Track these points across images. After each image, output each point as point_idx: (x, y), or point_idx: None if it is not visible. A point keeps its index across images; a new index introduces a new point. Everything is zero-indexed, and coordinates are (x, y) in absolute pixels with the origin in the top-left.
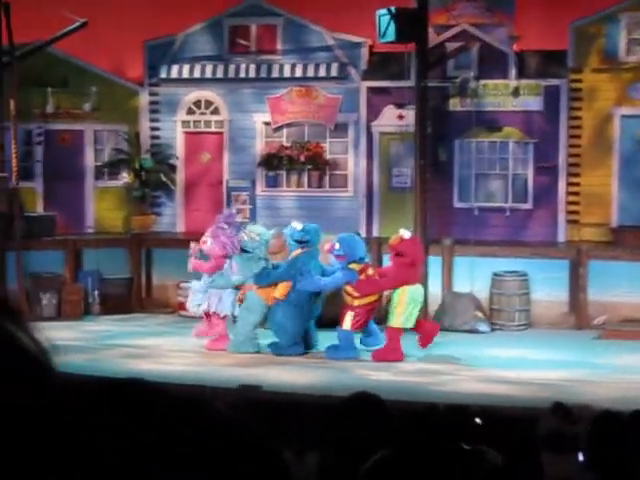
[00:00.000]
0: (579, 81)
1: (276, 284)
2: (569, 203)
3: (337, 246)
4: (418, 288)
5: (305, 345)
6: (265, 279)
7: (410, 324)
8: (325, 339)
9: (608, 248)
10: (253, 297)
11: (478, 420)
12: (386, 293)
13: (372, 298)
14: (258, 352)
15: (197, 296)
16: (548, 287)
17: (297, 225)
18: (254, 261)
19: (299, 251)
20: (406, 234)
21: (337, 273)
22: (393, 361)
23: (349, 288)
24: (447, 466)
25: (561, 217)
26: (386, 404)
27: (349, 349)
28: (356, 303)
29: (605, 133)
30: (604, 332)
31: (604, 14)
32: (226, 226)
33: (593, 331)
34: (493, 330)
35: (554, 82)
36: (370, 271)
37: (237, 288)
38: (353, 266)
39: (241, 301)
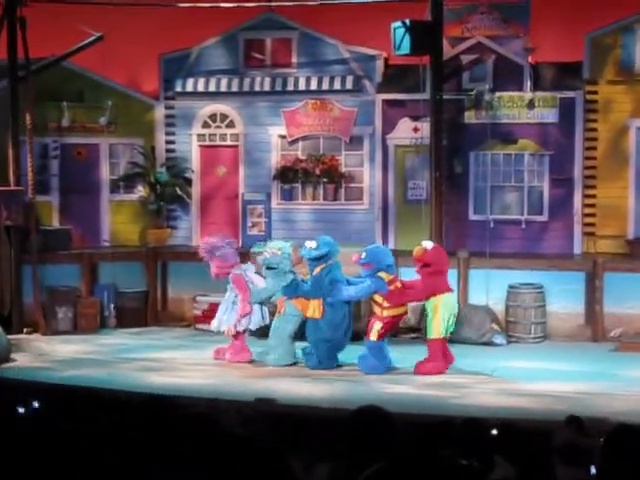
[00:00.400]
0: (594, 93)
1: (308, 299)
2: (585, 215)
3: (363, 255)
4: (451, 296)
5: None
6: (293, 291)
7: (449, 332)
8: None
9: (624, 260)
10: (290, 308)
11: (494, 431)
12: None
13: (401, 310)
14: (295, 364)
15: (224, 316)
16: (564, 299)
17: (310, 244)
18: (281, 275)
19: (320, 267)
20: (429, 244)
21: (365, 282)
22: (436, 374)
23: (378, 298)
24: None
25: (577, 229)
26: (393, 417)
27: (381, 361)
28: (385, 313)
29: (621, 145)
30: (620, 345)
31: (619, 25)
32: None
33: (609, 344)
34: (509, 343)
35: (569, 94)
36: (399, 283)
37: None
38: (382, 275)
39: (272, 314)
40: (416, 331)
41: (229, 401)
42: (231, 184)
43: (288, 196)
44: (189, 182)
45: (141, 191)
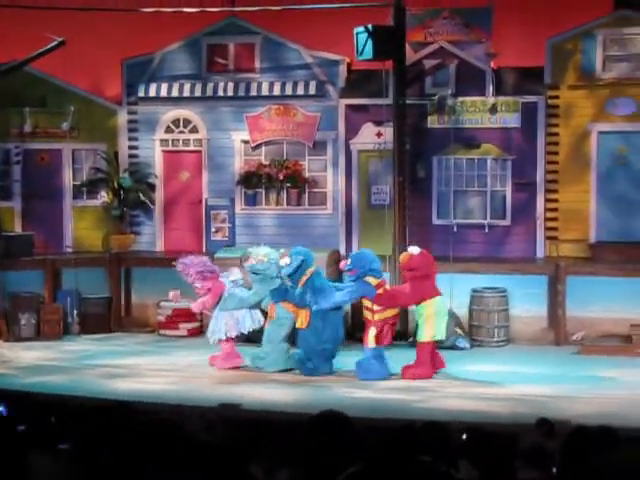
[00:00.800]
0: (556, 97)
1: (296, 306)
2: (547, 219)
3: (348, 261)
4: (441, 300)
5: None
6: (282, 295)
7: (440, 336)
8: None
9: (586, 264)
10: (281, 311)
11: (464, 436)
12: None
13: (392, 312)
14: (290, 370)
15: (214, 325)
16: (527, 303)
17: (283, 261)
18: (268, 281)
19: (304, 278)
20: (415, 250)
21: (351, 287)
22: (423, 378)
23: (368, 303)
24: None
25: (540, 233)
26: (352, 422)
27: (380, 368)
28: (377, 317)
29: (582, 149)
30: (583, 348)
31: (580, 30)
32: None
33: (572, 347)
34: (473, 346)
35: (531, 99)
36: (387, 286)
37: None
38: (369, 279)
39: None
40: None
41: (193, 407)
42: (194, 189)
43: (252, 201)
44: (152, 187)
45: (104, 197)
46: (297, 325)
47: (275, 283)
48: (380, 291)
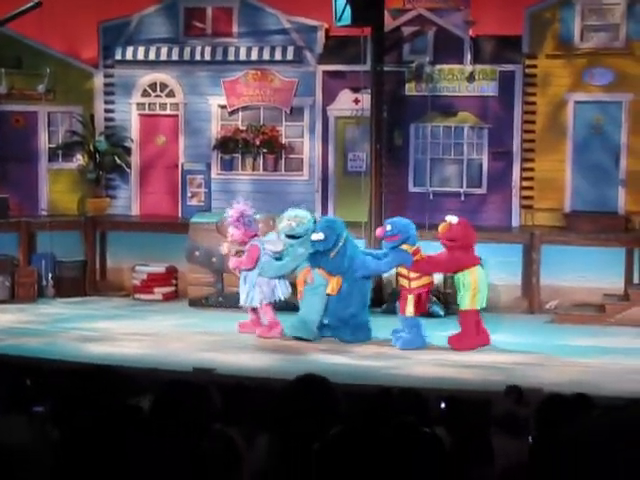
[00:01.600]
0: (534, 67)
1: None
2: (523, 188)
3: (388, 227)
4: (481, 269)
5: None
6: (318, 261)
7: (482, 304)
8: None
9: (561, 233)
10: (318, 278)
11: (442, 405)
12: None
13: (428, 279)
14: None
15: (249, 290)
16: (502, 271)
17: (316, 236)
18: (304, 245)
19: (336, 250)
20: (454, 219)
21: (390, 255)
22: (468, 349)
23: (404, 270)
24: (401, 443)
25: (515, 202)
26: (332, 386)
27: (419, 337)
28: (414, 285)
29: (559, 119)
30: (556, 316)
31: (559, 0)
32: (242, 218)
33: (545, 315)
34: (447, 314)
35: (509, 67)
36: (423, 253)
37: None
38: (405, 247)
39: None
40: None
41: (168, 371)
42: (171, 154)
43: (228, 166)
44: (128, 151)
45: (80, 160)
46: (327, 291)
47: (310, 248)
48: (417, 258)
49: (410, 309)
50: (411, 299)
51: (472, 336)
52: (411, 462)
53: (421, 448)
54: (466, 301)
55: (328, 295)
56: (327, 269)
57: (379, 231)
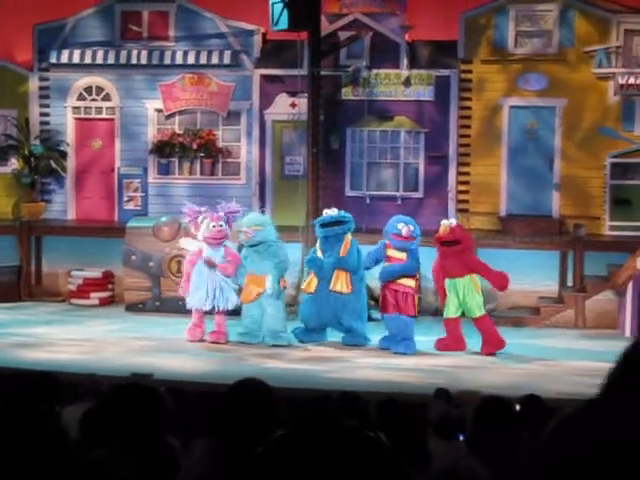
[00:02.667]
0: (469, 72)
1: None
2: (459, 192)
3: (412, 228)
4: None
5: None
6: (317, 265)
7: (484, 310)
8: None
9: (497, 236)
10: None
11: (374, 405)
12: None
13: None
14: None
15: (200, 293)
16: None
17: (330, 211)
18: (269, 248)
19: (348, 240)
20: (453, 222)
21: (411, 256)
22: (500, 348)
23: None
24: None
25: (451, 206)
26: (272, 390)
27: (412, 339)
28: (415, 285)
29: (494, 123)
30: (493, 319)
31: (493, 5)
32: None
33: None
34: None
35: (445, 72)
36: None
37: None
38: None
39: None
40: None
41: (105, 376)
42: (107, 158)
43: (165, 170)
44: (64, 155)
45: (15, 164)
46: (337, 289)
47: (280, 252)
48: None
49: (412, 309)
50: (416, 299)
51: (499, 337)
52: (356, 466)
53: (366, 452)
54: (478, 309)
55: (340, 294)
56: (339, 265)
57: (406, 231)
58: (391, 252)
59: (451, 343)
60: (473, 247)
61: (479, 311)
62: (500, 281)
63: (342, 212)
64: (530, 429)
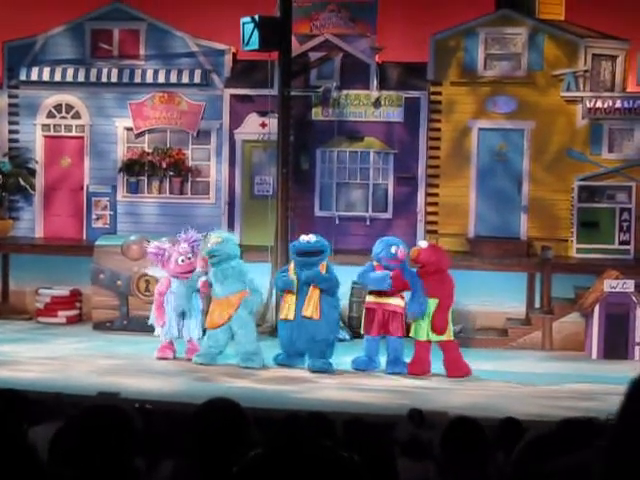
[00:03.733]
0: (438, 94)
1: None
2: (428, 213)
3: (403, 249)
4: None
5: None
6: (288, 284)
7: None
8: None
9: (465, 258)
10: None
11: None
12: None
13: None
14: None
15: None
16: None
17: (307, 237)
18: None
19: (324, 264)
20: (423, 244)
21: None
22: (465, 375)
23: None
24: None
25: (420, 227)
26: (242, 409)
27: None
28: (403, 304)
29: (463, 145)
30: (461, 340)
31: (463, 28)
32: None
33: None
34: (353, 338)
35: (414, 94)
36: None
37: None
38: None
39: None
40: None
41: (72, 395)
42: (76, 176)
43: (134, 189)
44: (33, 173)
45: None
46: (307, 314)
47: (242, 270)
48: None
49: (400, 331)
50: (402, 320)
51: (464, 364)
52: None
53: (340, 472)
54: (449, 331)
55: (310, 319)
56: (317, 283)
57: (400, 253)
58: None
59: (418, 366)
60: (445, 270)
61: (447, 336)
62: (436, 326)
63: (319, 239)
64: (506, 451)
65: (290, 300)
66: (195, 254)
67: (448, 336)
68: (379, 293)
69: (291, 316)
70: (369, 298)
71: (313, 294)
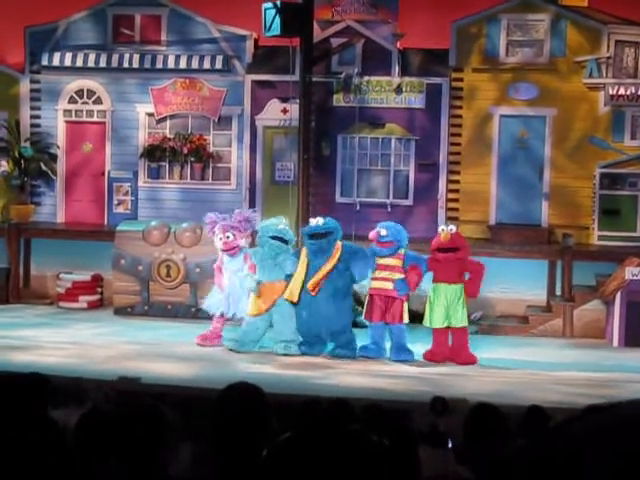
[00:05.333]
0: (460, 80)
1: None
2: (449, 200)
3: (383, 232)
4: None
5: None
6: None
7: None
8: None
9: (486, 245)
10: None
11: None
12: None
13: None
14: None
15: (218, 298)
16: (427, 282)
17: (316, 220)
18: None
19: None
20: (453, 228)
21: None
22: (473, 363)
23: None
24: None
25: (441, 213)
26: (264, 393)
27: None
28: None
29: (484, 132)
30: (481, 327)
31: (485, 14)
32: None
33: (470, 326)
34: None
35: (436, 80)
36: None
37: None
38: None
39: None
40: None
41: (92, 380)
42: (97, 161)
43: (155, 175)
44: (54, 158)
45: (4, 166)
46: (311, 290)
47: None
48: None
49: (406, 316)
50: (406, 305)
51: (468, 352)
52: (362, 469)
53: (371, 456)
54: (463, 317)
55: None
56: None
57: (373, 234)
58: (379, 259)
59: (438, 353)
60: (469, 253)
61: (462, 323)
62: (472, 291)
63: (328, 220)
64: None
65: (296, 281)
66: (242, 233)
67: (464, 322)
68: (378, 279)
69: (294, 298)
70: (371, 283)
71: (322, 272)
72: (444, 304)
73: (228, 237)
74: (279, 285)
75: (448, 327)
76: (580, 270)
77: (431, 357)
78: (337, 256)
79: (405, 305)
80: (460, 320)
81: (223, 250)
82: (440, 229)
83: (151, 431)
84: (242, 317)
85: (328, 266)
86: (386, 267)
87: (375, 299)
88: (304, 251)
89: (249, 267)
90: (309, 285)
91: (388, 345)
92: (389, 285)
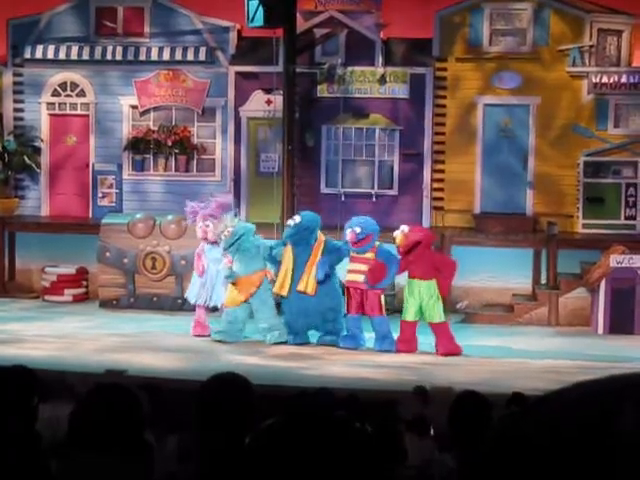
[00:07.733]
0: (444, 70)
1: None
2: (434, 189)
3: (358, 230)
4: None
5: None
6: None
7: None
8: None
9: (470, 234)
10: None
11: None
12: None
13: None
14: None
15: (196, 288)
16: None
17: (293, 220)
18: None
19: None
20: (405, 229)
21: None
22: (458, 354)
23: (363, 268)
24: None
25: (426, 203)
26: (250, 384)
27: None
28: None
29: (469, 121)
30: (466, 316)
31: (468, 4)
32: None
33: (456, 315)
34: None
35: (420, 70)
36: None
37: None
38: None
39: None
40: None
41: (78, 373)
42: (81, 154)
43: (139, 167)
44: (38, 151)
45: None
46: (301, 289)
47: (252, 252)
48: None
49: (384, 308)
50: (383, 298)
51: (454, 344)
52: (344, 455)
53: (354, 442)
54: (437, 313)
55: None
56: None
57: (351, 236)
58: (353, 253)
59: (402, 343)
60: (431, 243)
61: (439, 318)
62: (442, 289)
63: (303, 216)
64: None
65: (285, 275)
66: (219, 220)
67: (440, 318)
68: (352, 271)
69: (284, 292)
70: (346, 276)
71: (310, 269)
72: (417, 299)
73: (207, 225)
74: (255, 277)
75: (417, 321)
76: (565, 258)
77: (400, 347)
78: (320, 250)
79: (382, 297)
80: (437, 316)
81: (202, 239)
82: (394, 235)
83: (131, 420)
84: (220, 306)
85: (313, 267)
86: (359, 259)
87: (351, 291)
88: (289, 245)
89: (227, 260)
90: (301, 288)
91: (369, 335)
92: (360, 278)
